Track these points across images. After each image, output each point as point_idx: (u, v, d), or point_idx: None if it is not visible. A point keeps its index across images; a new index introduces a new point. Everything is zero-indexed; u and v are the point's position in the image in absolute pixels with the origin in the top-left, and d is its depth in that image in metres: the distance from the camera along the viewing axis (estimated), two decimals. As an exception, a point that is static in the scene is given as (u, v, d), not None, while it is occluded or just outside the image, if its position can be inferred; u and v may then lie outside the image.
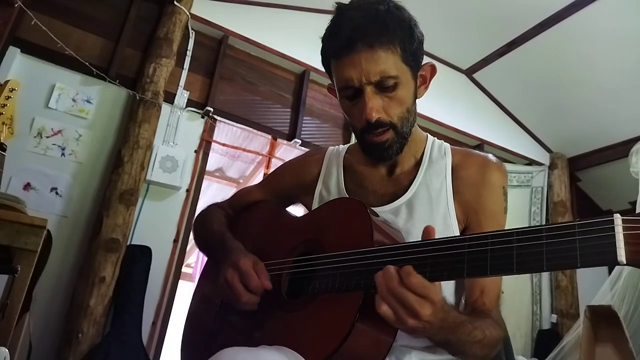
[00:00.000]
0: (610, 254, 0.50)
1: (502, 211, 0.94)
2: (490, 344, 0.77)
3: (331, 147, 1.16)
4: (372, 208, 0.89)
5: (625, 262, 0.49)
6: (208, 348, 0.71)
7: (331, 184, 1.06)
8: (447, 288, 0.92)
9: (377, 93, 0.87)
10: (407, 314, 0.63)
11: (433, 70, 0.98)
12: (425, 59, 0.96)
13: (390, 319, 0.65)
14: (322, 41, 0.94)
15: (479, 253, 0.61)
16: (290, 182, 1.15)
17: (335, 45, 0.89)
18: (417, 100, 0.97)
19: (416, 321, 0.64)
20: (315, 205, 1.06)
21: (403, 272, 0.64)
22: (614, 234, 0.50)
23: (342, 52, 0.87)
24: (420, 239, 0.71)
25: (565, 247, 0.54)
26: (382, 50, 0.85)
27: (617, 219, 0.50)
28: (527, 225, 0.59)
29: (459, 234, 0.92)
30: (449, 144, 1.04)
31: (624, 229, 0.50)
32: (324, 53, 0.95)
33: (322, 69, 0.97)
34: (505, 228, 0.71)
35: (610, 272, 3.18)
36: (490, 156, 1.00)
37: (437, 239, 0.68)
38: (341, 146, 1.15)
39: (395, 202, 0.95)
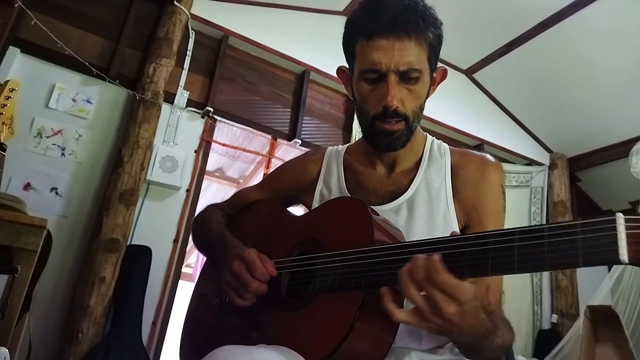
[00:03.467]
0: (612, 253, 0.50)
1: (501, 209, 0.95)
2: (504, 348, 0.77)
3: (330, 147, 1.15)
4: (373, 207, 0.89)
5: (627, 262, 0.49)
6: (207, 348, 0.70)
7: (332, 183, 1.06)
8: None
9: (399, 83, 0.87)
10: (431, 312, 0.62)
11: (444, 75, 0.99)
12: None
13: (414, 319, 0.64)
14: (352, 19, 0.92)
15: (480, 252, 0.61)
16: (289, 181, 1.15)
17: (372, 25, 0.87)
18: None
19: (438, 318, 0.62)
20: (315, 204, 1.06)
21: (432, 268, 0.61)
22: (616, 233, 0.50)
23: (377, 34, 0.86)
24: (420, 238, 0.71)
25: (567, 246, 0.54)
26: (415, 42, 0.86)
27: (620, 218, 0.50)
28: (527, 225, 0.58)
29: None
30: (447, 145, 1.05)
31: (627, 227, 0.50)
32: (352, 31, 0.92)
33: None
34: (505, 227, 0.71)
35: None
36: (488, 156, 1.00)
37: (437, 238, 0.67)
38: (340, 146, 1.15)
39: (396, 200, 0.95)
